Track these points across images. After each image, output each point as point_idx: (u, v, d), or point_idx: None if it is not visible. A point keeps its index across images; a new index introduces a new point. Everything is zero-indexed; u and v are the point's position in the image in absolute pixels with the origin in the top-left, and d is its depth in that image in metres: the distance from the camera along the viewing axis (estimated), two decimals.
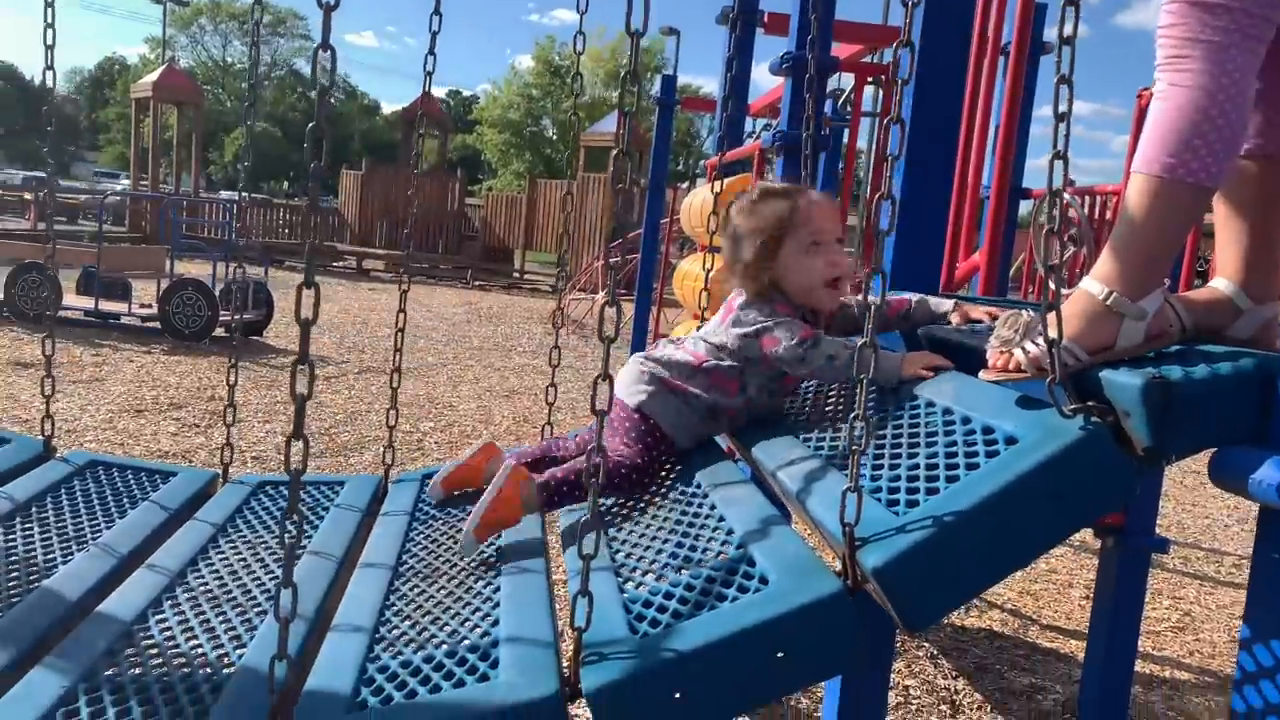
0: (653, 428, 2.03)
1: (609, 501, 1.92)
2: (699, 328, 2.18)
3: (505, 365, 9.38)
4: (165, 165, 21.46)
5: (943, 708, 3.20)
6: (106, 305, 9.31)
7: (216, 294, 9.25)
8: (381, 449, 5.88)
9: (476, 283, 18.89)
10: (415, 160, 2.64)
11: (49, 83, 2.33)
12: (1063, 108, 1.23)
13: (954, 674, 3.47)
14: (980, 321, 1.98)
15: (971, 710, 3.20)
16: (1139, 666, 3.36)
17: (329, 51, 1.20)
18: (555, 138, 42.09)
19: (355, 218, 20.20)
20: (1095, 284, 1.46)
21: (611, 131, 19.43)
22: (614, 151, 1.37)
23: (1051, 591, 4.45)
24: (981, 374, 1.55)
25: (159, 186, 20.96)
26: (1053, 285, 1.29)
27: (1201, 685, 3.59)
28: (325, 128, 1.21)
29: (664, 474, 2.01)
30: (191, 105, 21.39)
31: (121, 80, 54.94)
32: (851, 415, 1.35)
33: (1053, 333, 1.30)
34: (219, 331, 9.29)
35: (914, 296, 2.07)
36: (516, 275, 20.36)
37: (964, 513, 1.25)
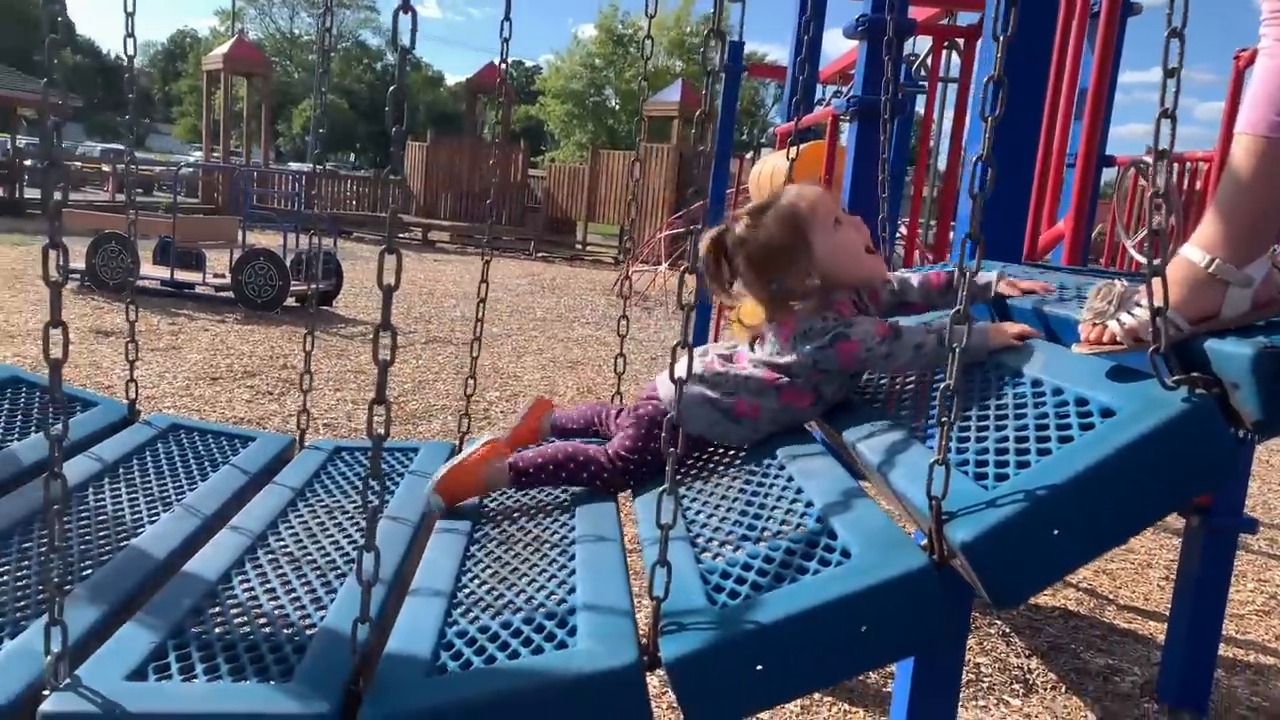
0: (695, 440, 1.96)
1: (682, 470, 1.91)
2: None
3: (568, 336, 9.41)
4: (235, 137, 21.87)
5: (1015, 686, 3.14)
6: (182, 275, 9.55)
7: (287, 264, 9.42)
8: (448, 417, 5.96)
9: (539, 254, 18.97)
10: (491, 130, 2.63)
11: (128, 50, 2.36)
12: (1173, 63, 1.16)
13: (1027, 653, 3.40)
14: (1032, 292, 1.93)
15: (1045, 690, 3.14)
16: (1222, 650, 3.26)
17: (410, 13, 1.19)
18: (618, 108, 41.93)
19: (420, 189, 20.39)
20: (1197, 251, 1.39)
21: (675, 100, 19.27)
22: (697, 112, 1.34)
23: (1129, 571, 4.34)
24: (1074, 347, 1.49)
25: (229, 158, 21.39)
26: (1156, 251, 1.22)
27: None
28: (406, 90, 1.19)
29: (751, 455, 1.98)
30: (261, 77, 21.74)
31: (193, 53, 56.09)
32: (941, 386, 1.30)
33: (1157, 300, 1.24)
34: (290, 301, 9.47)
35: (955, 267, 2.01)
36: (579, 247, 20.39)
37: (1058, 487, 1.21)
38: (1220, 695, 3.18)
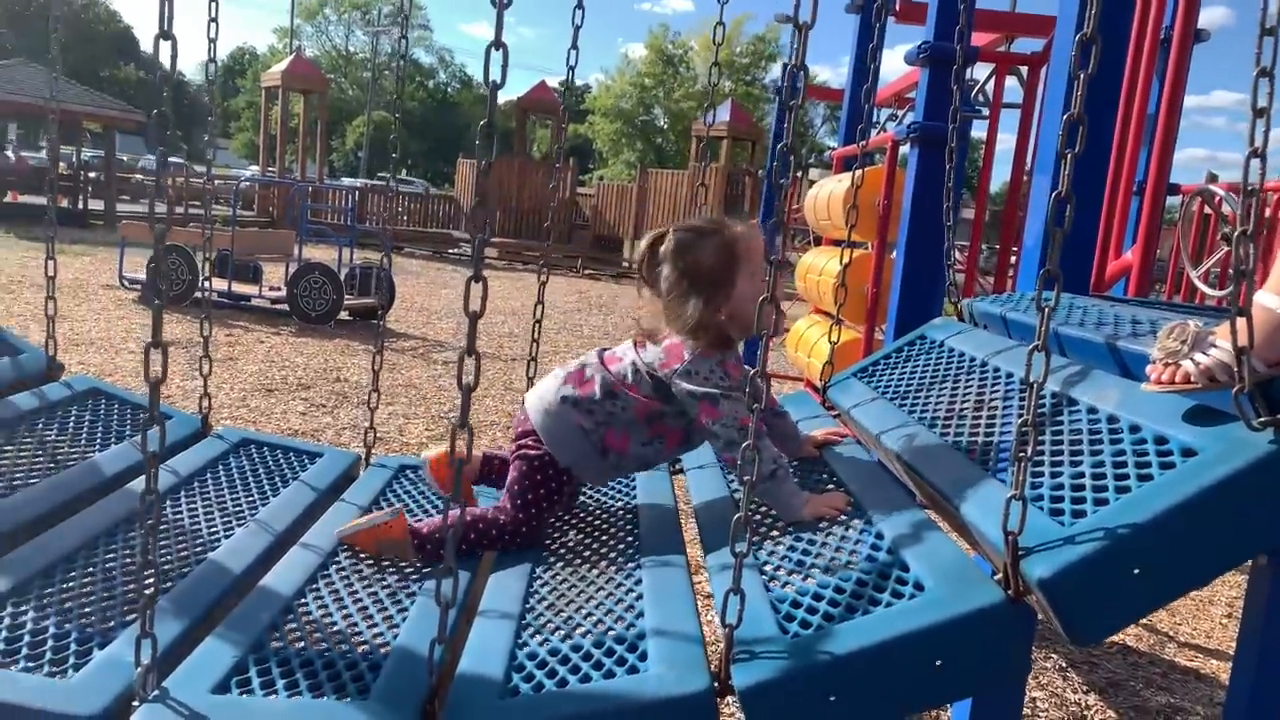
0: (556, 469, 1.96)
1: (755, 501, 1.90)
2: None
3: None
4: (291, 152, 22.30)
5: None
6: (239, 287, 9.74)
7: (341, 278, 9.58)
8: (496, 433, 5.99)
9: (586, 271, 19.08)
10: (549, 150, 2.66)
11: (208, 74, 2.44)
12: (1262, 102, 1.16)
13: (1084, 689, 3.35)
14: (834, 442, 2.09)
15: None
16: None
17: (502, 49, 1.22)
18: (666, 127, 42.11)
19: (471, 206, 20.62)
20: (1272, 297, 1.38)
21: (725, 120, 19.33)
22: (779, 145, 1.35)
23: (1190, 607, 4.24)
24: (1144, 386, 1.47)
25: (285, 173, 21.80)
26: (1242, 292, 1.21)
27: None
28: (496, 124, 1.23)
29: (806, 473, 1.99)
30: (317, 93, 22.16)
31: (252, 69, 57.35)
32: (1019, 421, 1.30)
33: (1242, 340, 1.23)
34: (343, 315, 9.62)
35: (787, 412, 2.14)
36: (626, 265, 20.47)
37: (1140, 526, 1.20)
38: None
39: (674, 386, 1.87)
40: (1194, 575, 1.23)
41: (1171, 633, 3.94)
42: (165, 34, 1.22)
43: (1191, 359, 1.38)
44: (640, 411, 1.93)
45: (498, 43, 1.22)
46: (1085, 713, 3.16)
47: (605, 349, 2.06)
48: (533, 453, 1.97)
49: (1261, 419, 1.22)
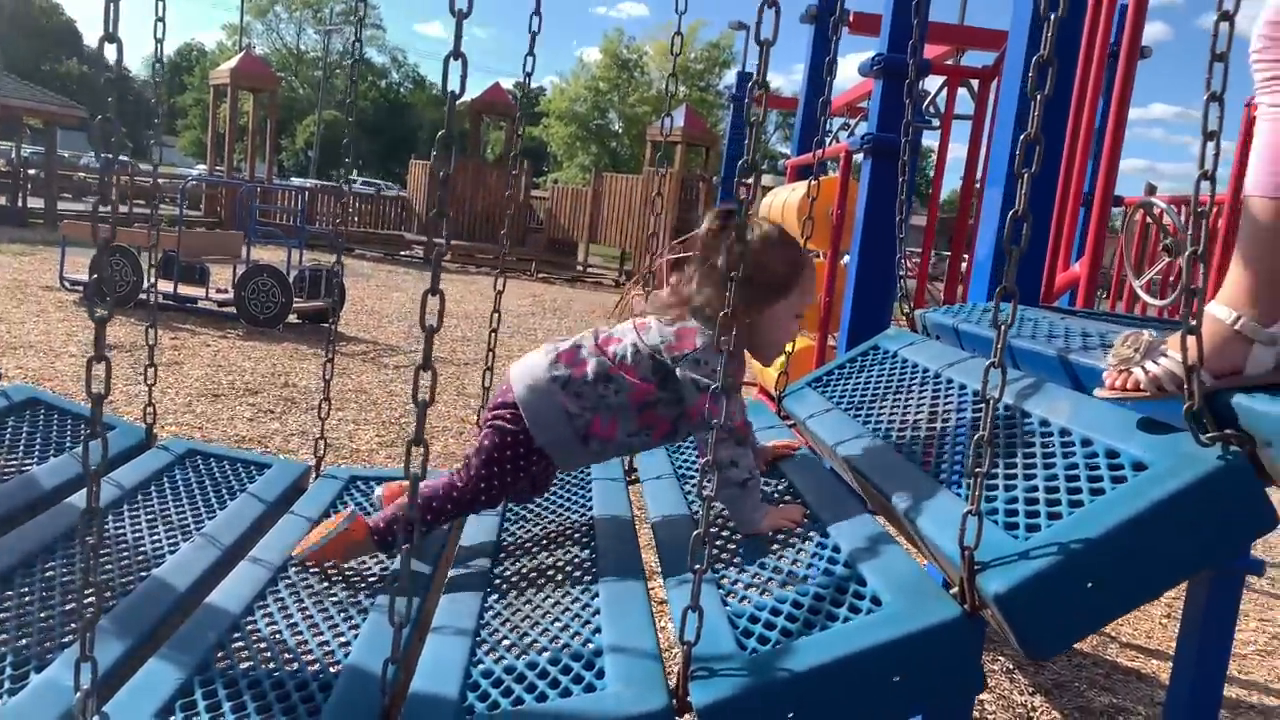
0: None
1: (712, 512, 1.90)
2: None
3: None
4: (239, 151, 21.93)
5: None
6: (185, 289, 9.54)
7: (290, 280, 9.43)
8: (449, 439, 5.93)
9: (540, 275, 19.00)
10: (503, 152, 2.63)
11: (155, 76, 2.38)
12: (1213, 126, 1.18)
13: (1030, 690, 3.39)
14: (787, 455, 2.12)
15: None
16: (1225, 691, 3.25)
17: (460, 60, 1.20)
18: (621, 131, 42.14)
19: (423, 207, 20.43)
20: (1223, 308, 1.41)
21: (680, 127, 19.38)
22: (740, 162, 1.35)
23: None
24: (1097, 392, 1.50)
25: (233, 172, 21.43)
26: (1194, 309, 1.24)
27: None
28: (455, 137, 1.21)
29: (764, 485, 1.99)
30: (267, 92, 21.81)
31: (199, 66, 56.32)
32: (974, 437, 1.31)
33: (1192, 356, 1.25)
34: (291, 318, 9.47)
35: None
36: (580, 268, 20.43)
37: (1093, 540, 1.22)
38: None
39: (679, 370, 1.81)
40: (1145, 588, 1.25)
41: (1113, 633, 4.02)
42: (111, 36, 1.18)
43: (1143, 367, 1.41)
44: (634, 398, 1.86)
45: (456, 53, 1.20)
46: (1031, 714, 3.21)
47: (601, 330, 1.98)
48: (508, 426, 1.89)
49: (1209, 434, 1.25)
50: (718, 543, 1.76)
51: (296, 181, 30.59)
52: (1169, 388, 1.36)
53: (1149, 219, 4.43)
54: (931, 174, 4.33)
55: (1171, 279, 3.88)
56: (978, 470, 1.31)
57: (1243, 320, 1.38)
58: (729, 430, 1.71)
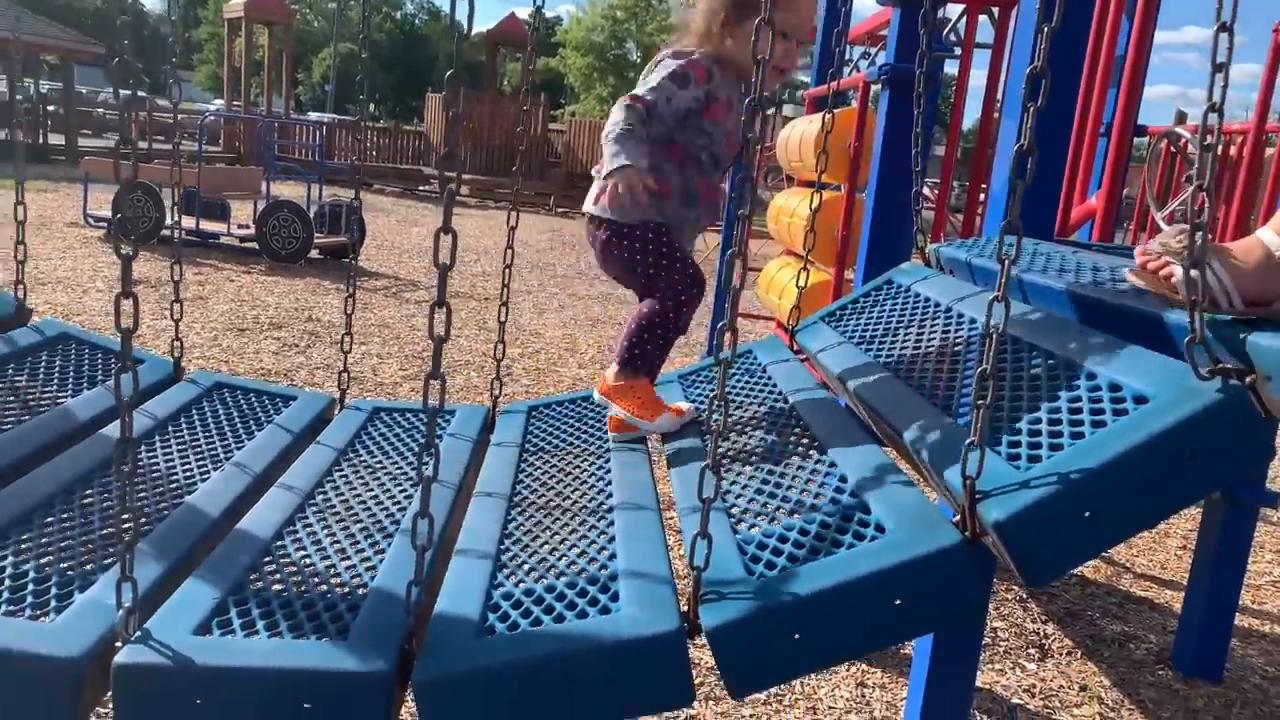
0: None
1: (725, 444, 1.95)
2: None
3: (589, 294, 9.45)
4: (255, 85, 21.79)
5: (1031, 651, 3.21)
6: (207, 225, 9.61)
7: (311, 216, 9.46)
8: (471, 373, 6.02)
9: (559, 209, 18.93)
10: (525, 94, 2.63)
11: (170, 13, 2.40)
12: (1221, 58, 1.18)
13: (1043, 618, 3.47)
14: None
15: (1060, 655, 3.21)
16: (1237, 620, 3.31)
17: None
18: (639, 61, 41.46)
19: (440, 141, 20.30)
20: (1273, 236, 1.41)
21: None
22: (745, 100, 1.36)
23: (1147, 539, 4.38)
24: (1128, 274, 1.51)
25: (250, 107, 21.33)
26: (1198, 242, 1.25)
27: None
28: (463, 75, 1.22)
29: (774, 418, 2.03)
30: (281, 25, 21.60)
31: (214, 0, 55.66)
32: (978, 370, 1.34)
33: (1205, 287, 1.27)
34: (313, 253, 9.53)
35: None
36: None
37: (1092, 471, 1.25)
38: (1234, 665, 3.24)
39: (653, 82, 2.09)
40: (1142, 518, 1.28)
41: (1128, 564, 4.08)
42: None
43: (1185, 267, 1.40)
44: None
45: None
46: (1044, 641, 3.29)
47: None
48: (624, 231, 2.17)
49: (1208, 368, 1.27)
50: (728, 473, 1.81)
51: (314, 116, 30.41)
52: (1198, 296, 1.36)
53: (1173, 149, 4.37)
54: (953, 102, 4.28)
55: (1198, 208, 3.84)
56: (980, 403, 1.34)
57: None
58: (623, 107, 2.02)
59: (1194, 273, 1.27)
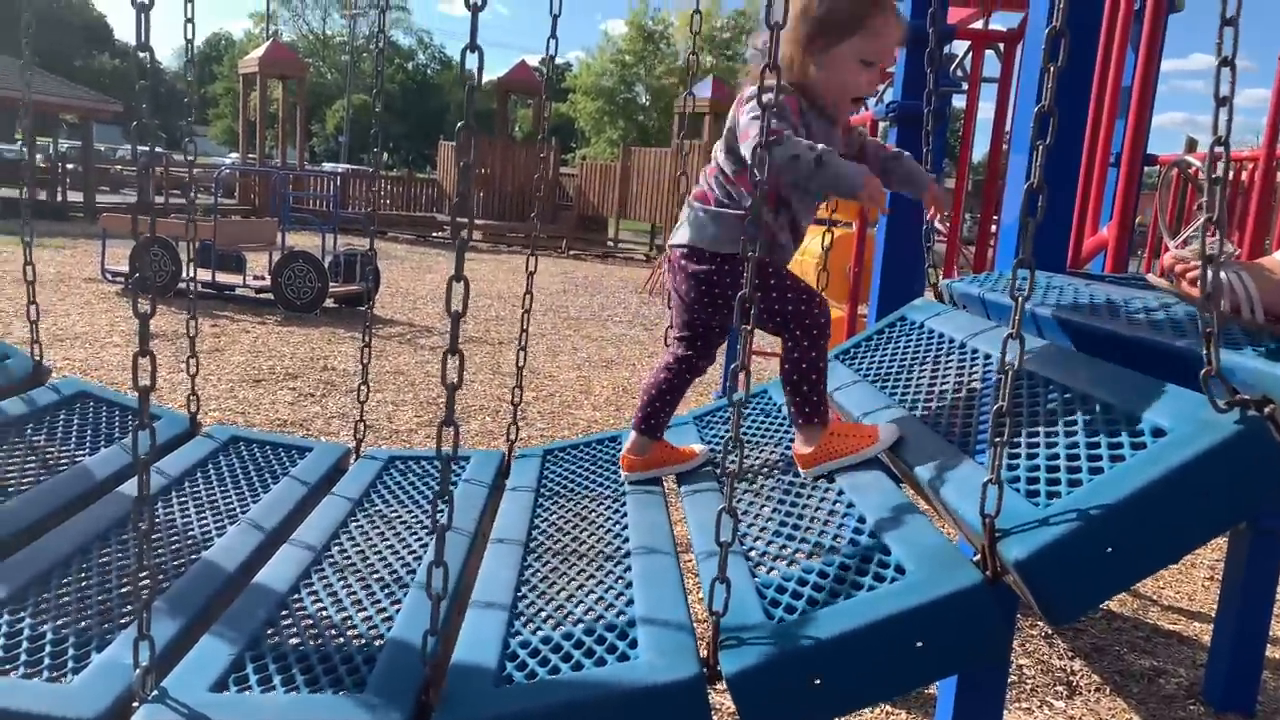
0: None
1: (739, 488, 1.94)
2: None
3: (602, 335, 9.47)
4: (270, 138, 22.13)
5: (1058, 688, 3.15)
6: (223, 277, 9.70)
7: (325, 265, 9.55)
8: (486, 418, 6.02)
9: (571, 252, 19.05)
10: (540, 138, 2.66)
11: (188, 76, 2.45)
12: (1224, 91, 1.18)
13: (1070, 654, 3.41)
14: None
15: (1089, 692, 3.15)
16: (1268, 651, 3.25)
17: (477, 52, 1.23)
18: (648, 104, 41.93)
19: (453, 188, 20.52)
20: None
21: (707, 97, 19.26)
22: (755, 146, 1.37)
23: (1173, 572, 4.32)
24: (1150, 277, 1.50)
25: (265, 159, 21.64)
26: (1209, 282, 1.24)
27: None
28: (476, 126, 1.24)
29: (791, 459, 2.02)
30: (296, 79, 21.97)
31: (228, 55, 56.77)
32: (995, 407, 1.33)
33: (1228, 294, 1.26)
34: (328, 302, 9.60)
35: (905, 153, 2.10)
36: (610, 244, 20.46)
37: (1112, 506, 1.23)
38: (1267, 697, 3.17)
39: (736, 132, 1.88)
40: (1165, 553, 1.27)
41: (1155, 597, 4.01)
42: (143, 46, 1.22)
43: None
44: (749, 192, 1.86)
45: (473, 45, 1.23)
46: (1071, 678, 3.23)
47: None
48: (720, 275, 1.98)
49: (1227, 400, 1.26)
50: (745, 515, 1.79)
51: (328, 167, 30.82)
52: (1224, 304, 1.35)
53: (1184, 177, 4.37)
54: (962, 136, 4.31)
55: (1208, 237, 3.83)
56: (997, 440, 1.33)
57: None
58: (770, 138, 1.62)
59: (1212, 287, 1.27)
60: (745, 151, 1.81)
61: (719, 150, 2.01)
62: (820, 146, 1.75)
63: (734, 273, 1.95)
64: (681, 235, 2.02)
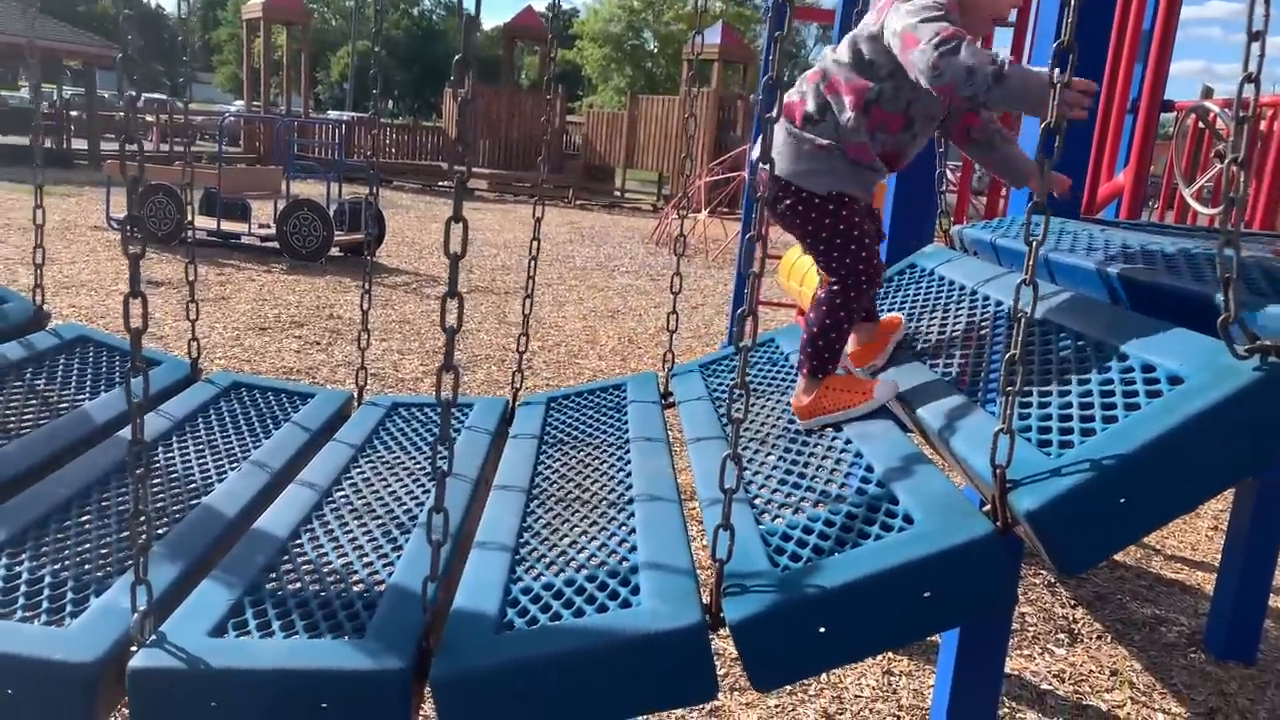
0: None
1: (745, 435, 1.91)
2: None
3: (608, 285, 9.41)
4: (274, 85, 21.88)
5: (1060, 636, 3.16)
6: (228, 225, 9.65)
7: (330, 214, 9.48)
8: (491, 367, 6.00)
9: (578, 201, 18.90)
10: (547, 86, 2.60)
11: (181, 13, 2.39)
12: (1258, 25, 1.13)
13: (1072, 603, 3.41)
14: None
15: (1090, 640, 3.15)
16: (1270, 601, 3.25)
17: None
18: (656, 51, 41.33)
19: (453, 146, 20.31)
20: None
21: (716, 43, 18.96)
22: (765, 78, 1.32)
23: (1178, 522, 4.31)
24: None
25: (269, 107, 21.42)
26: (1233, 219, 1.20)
27: None
28: (473, 60, 1.19)
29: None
30: (300, 25, 21.65)
31: (232, 1, 55.99)
32: (1006, 355, 1.30)
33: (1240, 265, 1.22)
34: (333, 251, 9.55)
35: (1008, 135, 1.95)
36: (617, 194, 20.28)
37: (1126, 456, 1.21)
38: (1268, 646, 3.17)
39: (884, 34, 1.67)
40: (1180, 503, 1.24)
41: (1158, 546, 4.01)
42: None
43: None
44: (854, 105, 1.75)
45: None
46: (1073, 625, 3.23)
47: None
48: (803, 198, 1.82)
49: (1246, 346, 1.22)
50: (751, 463, 1.77)
51: (333, 114, 30.54)
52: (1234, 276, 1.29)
53: (1201, 124, 4.28)
54: None
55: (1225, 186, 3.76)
56: (1009, 389, 1.30)
57: None
58: (938, 46, 1.54)
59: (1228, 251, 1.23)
60: (913, 58, 1.59)
61: (834, 51, 1.81)
62: (1001, 55, 1.53)
63: (820, 210, 1.81)
64: (779, 159, 1.82)
